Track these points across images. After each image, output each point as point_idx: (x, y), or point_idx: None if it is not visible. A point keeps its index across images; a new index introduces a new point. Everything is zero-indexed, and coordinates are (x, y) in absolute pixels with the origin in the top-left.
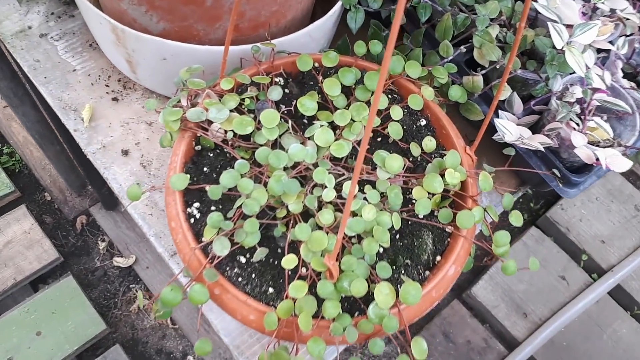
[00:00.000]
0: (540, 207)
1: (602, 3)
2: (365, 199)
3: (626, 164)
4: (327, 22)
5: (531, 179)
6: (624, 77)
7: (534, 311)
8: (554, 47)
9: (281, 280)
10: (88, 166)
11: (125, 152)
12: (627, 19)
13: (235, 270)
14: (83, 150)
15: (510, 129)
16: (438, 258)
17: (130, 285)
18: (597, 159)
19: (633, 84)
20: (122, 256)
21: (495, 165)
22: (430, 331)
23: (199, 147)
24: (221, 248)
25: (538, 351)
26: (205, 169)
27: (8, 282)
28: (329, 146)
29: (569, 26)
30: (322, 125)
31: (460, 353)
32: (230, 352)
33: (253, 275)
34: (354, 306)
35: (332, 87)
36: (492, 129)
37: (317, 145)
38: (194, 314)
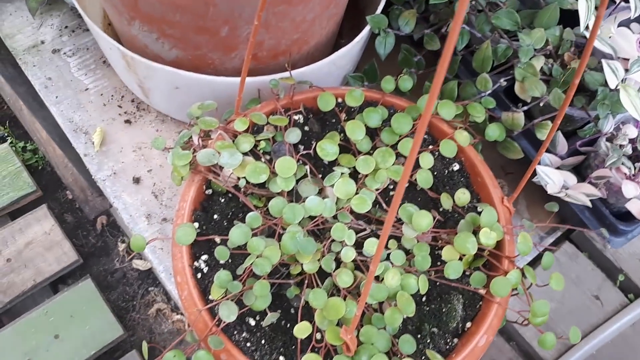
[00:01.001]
0: None
1: None
2: (389, 258)
3: None
4: (353, 48)
5: (573, 218)
6: None
7: (564, 332)
8: (607, 85)
9: (293, 347)
10: None
11: (136, 180)
12: None
13: (244, 334)
14: (93, 177)
15: (554, 178)
16: (468, 324)
17: (149, 289)
18: None
19: None
20: (141, 258)
21: (533, 207)
22: None
23: (209, 191)
24: (228, 314)
25: None
26: (215, 216)
27: (28, 284)
28: (350, 199)
29: (624, 60)
30: (343, 174)
31: None
32: None
33: (262, 341)
34: None
35: (355, 131)
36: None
37: (336, 196)
38: None
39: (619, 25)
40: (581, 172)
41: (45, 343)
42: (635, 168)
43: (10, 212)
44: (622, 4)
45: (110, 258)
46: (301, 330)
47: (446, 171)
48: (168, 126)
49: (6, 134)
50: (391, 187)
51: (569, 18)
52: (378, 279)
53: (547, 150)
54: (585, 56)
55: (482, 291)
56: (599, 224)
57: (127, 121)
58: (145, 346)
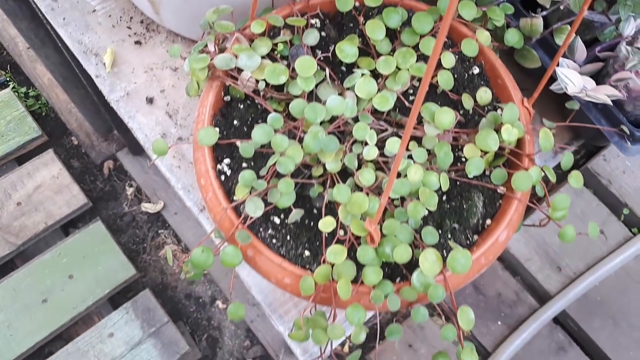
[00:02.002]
0: (580, 157)
1: None
2: (410, 157)
3: None
4: None
5: (587, 131)
6: None
7: (568, 265)
8: None
9: (317, 243)
10: (114, 111)
11: (150, 100)
12: None
13: (269, 231)
14: (106, 98)
15: (574, 80)
16: (488, 221)
17: (159, 231)
18: None
19: None
20: (150, 202)
21: (551, 119)
22: None
23: (228, 98)
24: (254, 209)
25: (571, 305)
26: (235, 121)
27: (39, 226)
28: (371, 98)
29: None
30: (364, 74)
31: (490, 305)
32: (263, 309)
33: (288, 237)
34: (395, 272)
35: (375, 30)
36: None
37: (357, 96)
38: (201, 275)
39: None
40: (598, 81)
41: (60, 283)
42: None
43: (17, 157)
44: None
45: (119, 202)
46: (326, 224)
47: (466, 75)
48: (170, 49)
49: (7, 79)
50: (411, 91)
51: None
52: (400, 175)
53: (565, 57)
54: None
55: (502, 189)
56: (615, 132)
57: (137, 42)
58: (169, 252)
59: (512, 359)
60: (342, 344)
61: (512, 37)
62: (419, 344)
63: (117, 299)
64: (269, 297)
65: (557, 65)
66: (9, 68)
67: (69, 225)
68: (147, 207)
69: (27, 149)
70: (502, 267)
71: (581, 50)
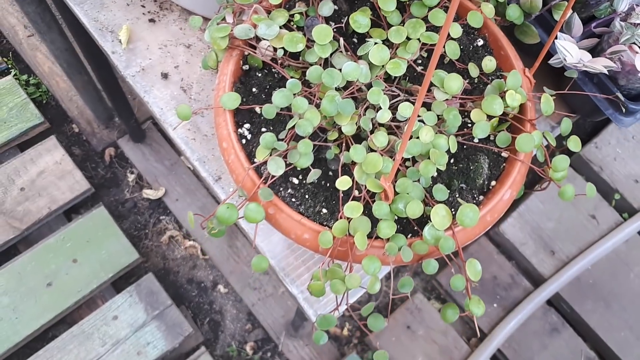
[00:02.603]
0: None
1: None
2: (421, 121)
3: None
4: None
5: (583, 107)
6: None
7: (561, 249)
8: None
9: (334, 202)
10: (116, 97)
11: (164, 76)
12: None
13: (289, 191)
14: (122, 73)
15: (572, 51)
16: (493, 183)
17: (160, 217)
18: None
19: None
20: (151, 188)
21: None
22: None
23: (246, 67)
24: (276, 168)
25: (564, 288)
26: (254, 89)
27: (43, 211)
28: (384, 65)
29: None
30: (377, 43)
31: (486, 288)
32: (276, 273)
33: (306, 196)
34: (407, 228)
35: (386, 2)
36: (547, 54)
37: (371, 64)
38: (223, 245)
39: None
40: (594, 56)
41: (64, 267)
42: None
43: (19, 144)
44: None
45: (120, 188)
46: (342, 182)
47: (471, 46)
48: (190, 20)
49: (9, 66)
50: (419, 60)
51: None
52: (411, 137)
53: (563, 32)
54: None
55: (506, 153)
56: (610, 105)
57: (152, 20)
58: (191, 215)
59: (508, 339)
60: (342, 327)
61: (514, 13)
62: (417, 326)
63: (119, 283)
64: (282, 262)
65: (556, 38)
66: (10, 55)
67: (71, 211)
68: (149, 193)
69: (30, 135)
70: (497, 251)
71: (578, 26)
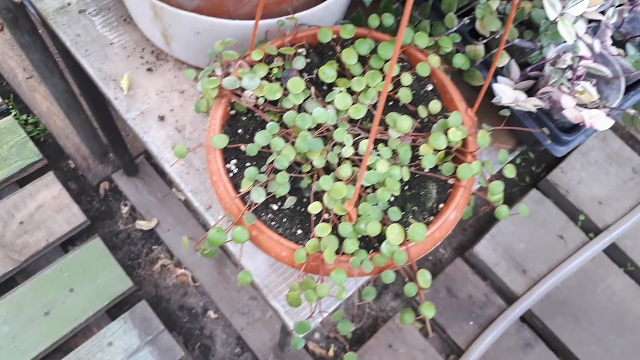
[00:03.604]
0: (541, 170)
1: None
2: (379, 155)
3: (608, 123)
4: None
5: (527, 139)
6: (613, 44)
7: (532, 268)
8: (548, 19)
9: (307, 224)
10: (111, 134)
11: (161, 118)
12: None
13: (269, 215)
14: (123, 117)
15: (507, 93)
16: (441, 205)
17: (153, 247)
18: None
19: (621, 51)
20: (144, 219)
21: (494, 126)
22: (435, 287)
23: (233, 112)
24: (258, 196)
25: (535, 305)
26: (239, 130)
27: (41, 244)
28: (347, 109)
29: None
30: (341, 91)
31: (462, 307)
32: (260, 290)
33: (284, 220)
34: (369, 245)
35: (349, 57)
36: (492, 93)
37: (336, 108)
38: (213, 272)
39: None
40: (532, 95)
41: (61, 296)
42: (572, 85)
43: (19, 180)
44: None
45: (115, 220)
46: (314, 207)
47: (422, 91)
48: (184, 72)
49: (10, 107)
50: (378, 103)
51: None
52: (370, 168)
53: (503, 75)
54: None
55: (451, 180)
56: (547, 136)
57: (149, 69)
58: (185, 239)
59: (484, 355)
60: (327, 348)
61: (459, 61)
62: (399, 344)
63: (114, 311)
64: (265, 280)
65: (496, 82)
66: (10, 97)
67: (67, 243)
68: (142, 224)
69: (29, 171)
70: (472, 272)
71: (515, 70)
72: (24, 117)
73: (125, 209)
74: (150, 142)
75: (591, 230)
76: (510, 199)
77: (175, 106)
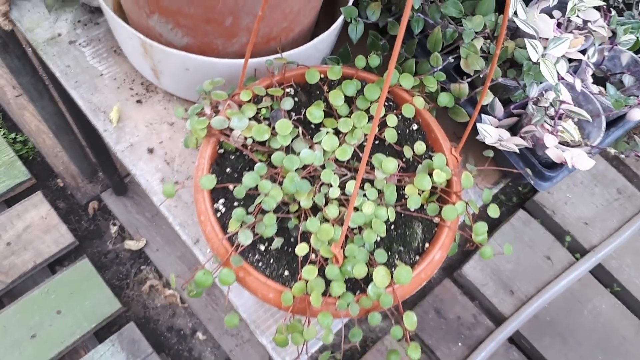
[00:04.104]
0: (528, 190)
1: (577, 16)
2: (365, 195)
3: (589, 163)
4: (330, 34)
5: (511, 172)
6: (595, 82)
7: (520, 289)
8: (531, 59)
9: (295, 265)
10: (100, 154)
11: (150, 150)
12: (595, 31)
13: (256, 256)
14: (112, 149)
15: (491, 132)
16: (427, 245)
17: (141, 267)
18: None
19: (602, 89)
20: (133, 239)
21: (479, 160)
22: (423, 308)
23: (221, 151)
24: (245, 238)
25: (523, 326)
26: (228, 169)
27: (28, 265)
28: (334, 151)
29: (544, 39)
30: (328, 132)
31: (450, 328)
32: (248, 326)
33: (271, 261)
34: (356, 286)
35: (336, 98)
36: (477, 129)
37: (323, 149)
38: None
39: (541, 12)
40: (516, 132)
41: (48, 318)
42: (554, 125)
43: (6, 199)
44: None
45: (103, 240)
46: (301, 249)
47: (407, 130)
48: (174, 105)
49: None
50: (364, 144)
51: (503, 6)
52: (357, 209)
53: (488, 113)
54: (500, 36)
55: (437, 219)
56: (531, 172)
57: (139, 101)
58: (173, 277)
59: None
60: None
61: (444, 99)
62: None
63: (102, 333)
64: (252, 315)
65: (481, 119)
66: None
67: (55, 264)
68: (130, 244)
69: (16, 191)
70: (460, 292)
71: (499, 108)
72: (13, 135)
73: (114, 229)
74: (139, 174)
75: (577, 250)
76: (498, 219)
77: (165, 138)
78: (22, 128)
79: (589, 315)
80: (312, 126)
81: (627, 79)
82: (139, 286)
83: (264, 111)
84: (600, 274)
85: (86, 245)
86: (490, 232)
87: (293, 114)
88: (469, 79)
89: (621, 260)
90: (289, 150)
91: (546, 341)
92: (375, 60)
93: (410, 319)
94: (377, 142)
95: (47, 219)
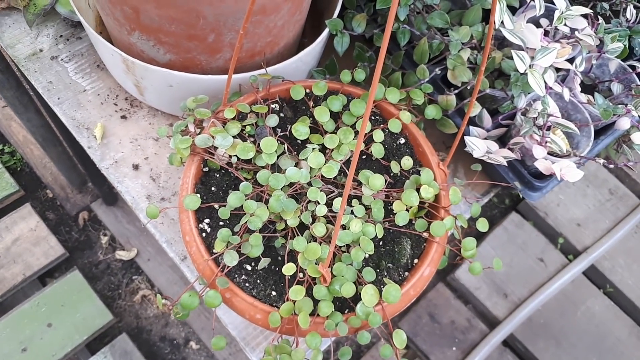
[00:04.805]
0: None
1: (564, 25)
2: (352, 212)
3: (578, 175)
4: (316, 47)
5: (501, 181)
6: (584, 90)
7: (513, 292)
8: (518, 70)
9: (282, 285)
10: (89, 165)
11: (135, 167)
12: (582, 40)
13: (243, 277)
14: (97, 166)
15: (479, 145)
16: (415, 261)
17: (133, 277)
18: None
19: (590, 97)
20: (124, 249)
21: (468, 171)
22: (417, 312)
23: (206, 169)
24: (230, 260)
25: (517, 329)
26: (213, 188)
27: (18, 278)
28: (320, 168)
29: (532, 49)
30: (314, 149)
31: (445, 332)
32: (237, 343)
33: (258, 281)
34: (345, 304)
35: (322, 114)
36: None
37: (310, 166)
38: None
39: (528, 22)
40: (505, 142)
41: (39, 331)
42: (542, 136)
43: None
44: (532, 3)
45: (94, 251)
46: (288, 269)
47: (394, 144)
48: (159, 120)
49: None
50: (351, 159)
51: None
52: (344, 227)
53: (476, 124)
54: (486, 47)
55: (425, 234)
56: (520, 182)
57: (123, 117)
58: (159, 298)
59: None
60: None
61: (431, 112)
62: None
63: (94, 344)
64: (242, 332)
65: (469, 133)
66: None
67: (45, 276)
68: (121, 254)
69: (4, 203)
70: (454, 296)
71: (487, 119)
72: (0, 146)
73: (104, 239)
74: (124, 191)
75: (570, 252)
76: (491, 222)
77: (150, 154)
78: (9, 139)
79: (582, 317)
80: (298, 142)
81: (616, 87)
82: (130, 296)
83: (248, 128)
84: (593, 275)
85: (77, 256)
86: (483, 235)
87: (279, 130)
88: (456, 91)
89: (614, 261)
90: (274, 167)
91: (540, 344)
92: (360, 74)
93: (400, 337)
94: (364, 157)
95: (36, 231)
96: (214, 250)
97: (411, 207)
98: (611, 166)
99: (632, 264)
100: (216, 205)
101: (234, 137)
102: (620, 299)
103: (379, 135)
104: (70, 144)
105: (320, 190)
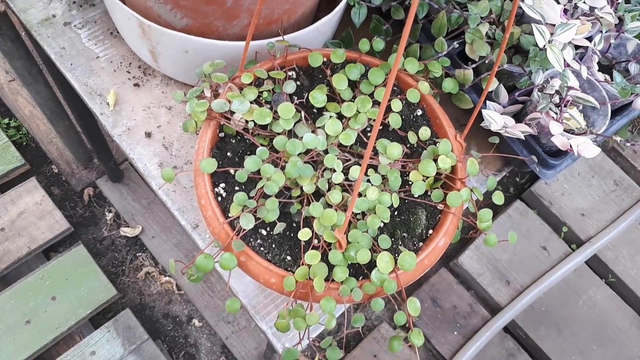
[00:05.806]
0: (525, 181)
1: (584, 2)
2: (369, 181)
3: (595, 151)
4: (333, 18)
5: (514, 160)
6: (600, 70)
7: (516, 279)
8: (537, 45)
9: (297, 250)
10: (96, 140)
11: (148, 135)
12: (602, 18)
13: (258, 241)
14: (109, 132)
15: (496, 119)
16: (430, 231)
17: (137, 254)
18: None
19: (607, 77)
20: (128, 226)
21: (483, 147)
22: (420, 297)
23: (222, 134)
24: (247, 223)
25: (519, 316)
26: (228, 153)
27: (23, 251)
28: (338, 135)
29: (551, 25)
30: (331, 117)
31: (446, 317)
32: (247, 312)
33: (273, 246)
34: (359, 272)
35: (339, 82)
36: (480, 116)
37: (327, 134)
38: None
39: None
40: (520, 119)
41: (43, 304)
42: (560, 112)
43: (0, 185)
44: None
45: (99, 227)
46: (304, 234)
47: (412, 116)
48: (172, 88)
49: None
50: (368, 129)
51: None
52: (361, 195)
53: (492, 100)
54: (510, 20)
55: (441, 206)
56: (535, 161)
57: (136, 84)
58: (172, 262)
59: None
60: (312, 357)
61: (448, 85)
62: (383, 354)
63: (97, 319)
64: (253, 300)
65: (485, 106)
66: None
67: (50, 250)
68: (126, 231)
69: (10, 177)
70: (457, 282)
71: (504, 95)
72: (6, 120)
73: (109, 215)
74: (136, 159)
75: (573, 241)
76: (495, 209)
77: (163, 122)
78: (15, 113)
79: (584, 306)
80: (315, 110)
81: (633, 67)
82: (134, 273)
83: (265, 94)
84: (596, 264)
85: (81, 231)
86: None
87: (295, 97)
88: (473, 65)
89: (617, 251)
90: (291, 134)
91: (541, 331)
92: (379, 44)
93: (414, 305)
94: (381, 127)
95: (41, 205)
96: (230, 215)
97: (428, 177)
98: (629, 144)
99: (635, 255)
100: (232, 170)
101: (251, 102)
102: (622, 290)
103: (397, 105)
104: (78, 117)
105: (337, 158)
